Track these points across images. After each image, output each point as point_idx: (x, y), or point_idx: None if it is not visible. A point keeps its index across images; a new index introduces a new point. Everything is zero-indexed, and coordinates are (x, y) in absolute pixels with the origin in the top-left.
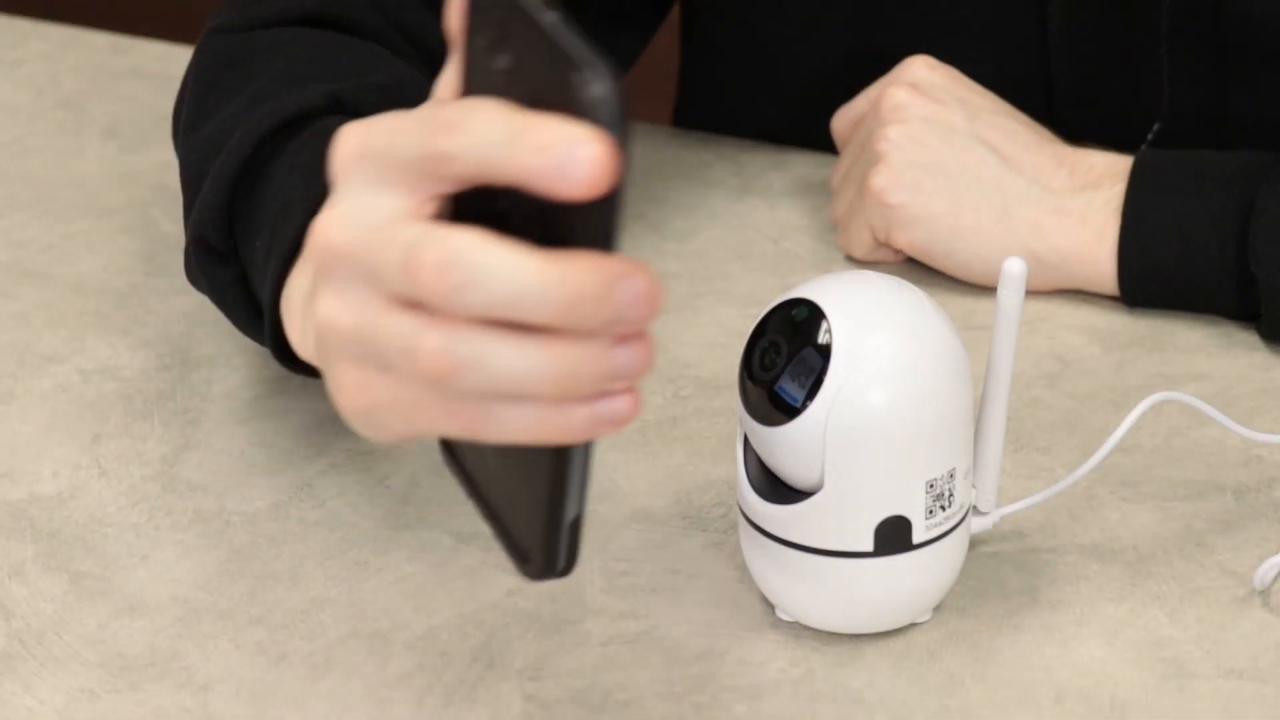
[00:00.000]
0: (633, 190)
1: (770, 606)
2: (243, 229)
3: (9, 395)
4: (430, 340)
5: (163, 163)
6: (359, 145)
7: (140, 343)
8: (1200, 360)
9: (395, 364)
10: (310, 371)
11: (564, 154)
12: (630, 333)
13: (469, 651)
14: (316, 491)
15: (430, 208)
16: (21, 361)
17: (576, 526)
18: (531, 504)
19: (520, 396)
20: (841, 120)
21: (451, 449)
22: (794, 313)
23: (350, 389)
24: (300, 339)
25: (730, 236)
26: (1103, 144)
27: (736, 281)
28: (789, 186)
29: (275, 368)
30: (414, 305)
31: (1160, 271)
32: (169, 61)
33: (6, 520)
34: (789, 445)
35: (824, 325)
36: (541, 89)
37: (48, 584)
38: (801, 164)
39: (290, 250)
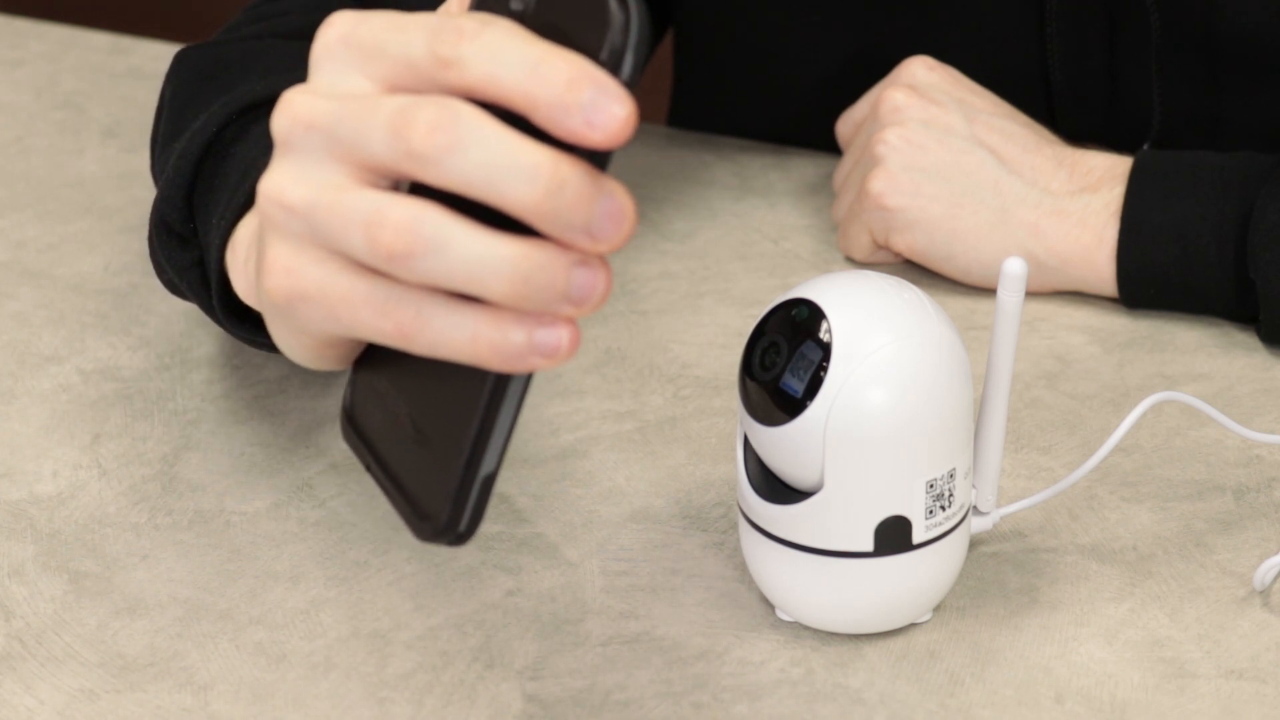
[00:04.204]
0: (633, 190)
1: (770, 606)
2: (202, 206)
3: (9, 395)
4: (398, 212)
5: None
6: (348, 32)
7: (140, 343)
8: (1200, 360)
9: (351, 241)
10: (256, 329)
11: (590, 99)
12: (592, 257)
13: (469, 651)
14: (316, 491)
15: None
16: (21, 361)
17: (488, 486)
18: (445, 456)
19: (471, 290)
20: (845, 123)
21: (353, 416)
22: (794, 313)
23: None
24: (245, 285)
25: (730, 236)
26: (1102, 145)
27: (736, 281)
28: (789, 186)
29: (275, 368)
30: (379, 185)
31: (1159, 275)
32: (169, 61)
33: (6, 520)
34: (789, 445)
35: (824, 325)
36: (560, 21)
37: (48, 584)
38: (802, 164)
39: (244, 204)
